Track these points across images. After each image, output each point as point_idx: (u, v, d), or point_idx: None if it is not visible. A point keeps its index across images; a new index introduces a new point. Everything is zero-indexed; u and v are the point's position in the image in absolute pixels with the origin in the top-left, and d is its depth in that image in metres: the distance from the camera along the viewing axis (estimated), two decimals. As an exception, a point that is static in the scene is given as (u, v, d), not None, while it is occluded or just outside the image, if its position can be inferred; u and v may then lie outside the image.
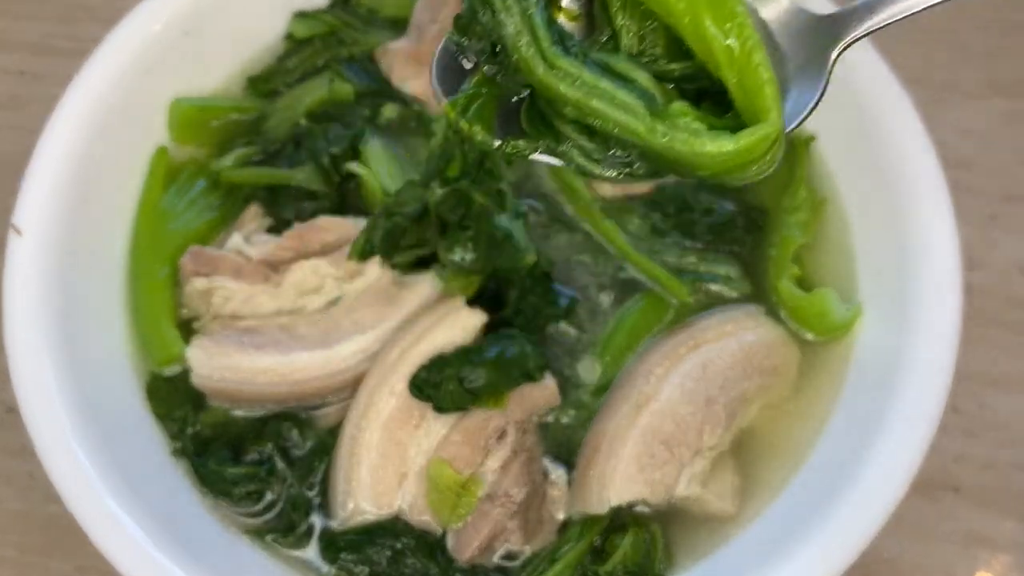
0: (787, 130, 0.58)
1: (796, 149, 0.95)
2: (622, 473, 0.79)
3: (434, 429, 0.81)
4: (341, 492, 0.81)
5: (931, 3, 0.59)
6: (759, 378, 0.85)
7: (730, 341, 0.85)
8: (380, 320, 0.85)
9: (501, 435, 0.81)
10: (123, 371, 0.86)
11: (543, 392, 0.83)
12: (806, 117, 0.60)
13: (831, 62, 0.60)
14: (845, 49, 0.61)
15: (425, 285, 0.86)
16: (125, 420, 0.83)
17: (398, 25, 1.05)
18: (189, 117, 0.96)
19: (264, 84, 1.01)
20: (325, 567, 0.81)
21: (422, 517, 0.81)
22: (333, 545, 0.81)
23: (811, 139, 0.94)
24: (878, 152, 0.87)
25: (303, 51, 1.02)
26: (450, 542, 0.81)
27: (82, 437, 0.77)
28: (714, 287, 0.90)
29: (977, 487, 0.96)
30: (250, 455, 0.84)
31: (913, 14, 0.60)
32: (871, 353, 0.85)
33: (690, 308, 0.90)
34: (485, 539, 0.79)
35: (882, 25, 0.60)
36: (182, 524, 0.79)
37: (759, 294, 0.91)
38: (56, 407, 0.77)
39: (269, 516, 0.83)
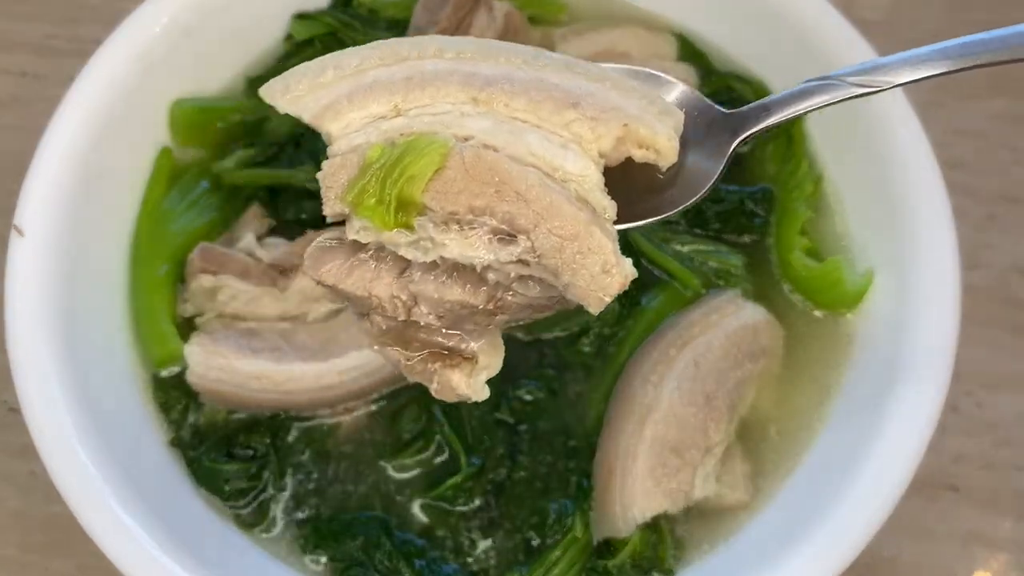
0: (683, 207, 0.65)
1: (794, 126, 0.96)
2: (640, 490, 0.79)
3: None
4: None
5: (813, 108, 0.67)
6: (750, 363, 0.85)
7: (716, 332, 0.85)
8: None
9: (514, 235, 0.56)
10: (124, 370, 0.86)
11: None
12: (702, 197, 0.65)
13: (730, 152, 0.66)
14: (741, 142, 0.67)
15: None
16: (126, 419, 0.84)
17: (398, 26, 1.05)
18: (190, 118, 0.96)
19: (265, 85, 1.01)
20: (313, 560, 0.82)
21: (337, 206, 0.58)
22: (316, 534, 0.82)
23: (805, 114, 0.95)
24: (876, 153, 0.88)
25: (304, 52, 1.02)
26: (312, 249, 0.60)
27: (83, 436, 0.77)
28: (720, 281, 0.91)
29: (976, 487, 0.97)
30: (243, 451, 0.84)
31: (799, 115, 0.67)
32: (870, 350, 0.85)
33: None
34: (343, 284, 0.58)
35: (773, 124, 0.67)
36: (183, 522, 0.79)
37: (761, 287, 0.91)
38: (58, 407, 0.77)
39: (260, 511, 0.83)
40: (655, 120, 0.59)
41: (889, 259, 0.86)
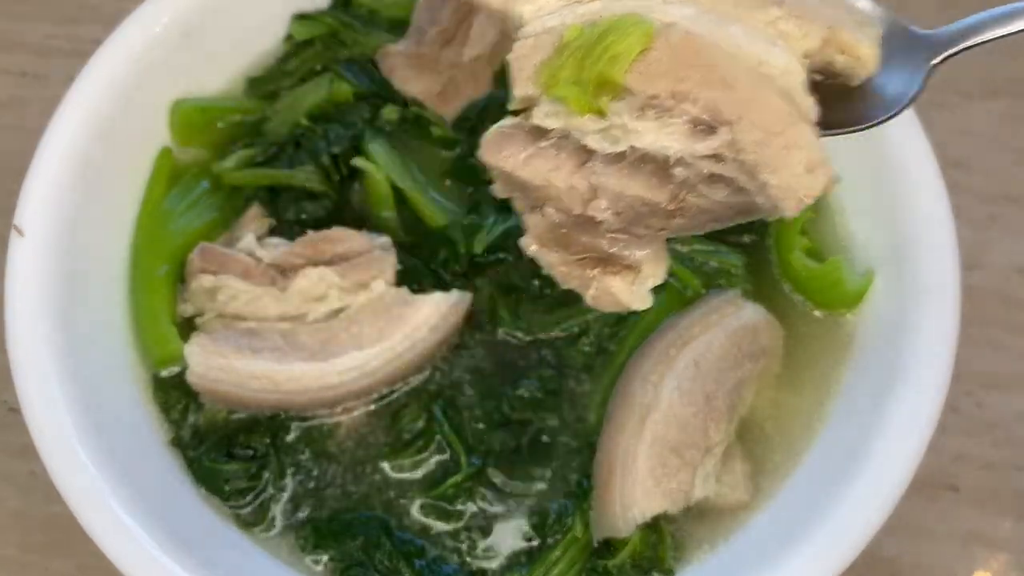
0: (875, 123, 0.61)
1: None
2: (640, 490, 0.79)
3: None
4: None
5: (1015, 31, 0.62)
6: (750, 363, 0.85)
7: (716, 332, 0.85)
8: (380, 338, 0.85)
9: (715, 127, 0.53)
10: (124, 370, 0.86)
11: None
12: (897, 114, 0.62)
13: (927, 72, 0.62)
14: (938, 64, 0.63)
15: (429, 306, 0.86)
16: (126, 419, 0.84)
17: (398, 27, 1.05)
18: (190, 118, 0.96)
19: (265, 85, 1.01)
20: (313, 560, 0.82)
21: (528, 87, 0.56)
22: (316, 534, 0.82)
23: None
24: (876, 154, 0.88)
25: (303, 53, 1.02)
26: (491, 134, 0.59)
27: (83, 436, 0.77)
28: (720, 281, 0.91)
29: (976, 487, 0.97)
30: (243, 451, 0.84)
31: (1001, 37, 0.62)
32: (870, 351, 0.85)
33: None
34: (520, 172, 0.56)
35: (980, 42, 0.62)
36: (183, 523, 0.79)
37: (761, 287, 0.91)
38: (58, 407, 0.77)
39: (260, 511, 0.83)
40: (856, 28, 0.57)
41: (889, 259, 0.86)
